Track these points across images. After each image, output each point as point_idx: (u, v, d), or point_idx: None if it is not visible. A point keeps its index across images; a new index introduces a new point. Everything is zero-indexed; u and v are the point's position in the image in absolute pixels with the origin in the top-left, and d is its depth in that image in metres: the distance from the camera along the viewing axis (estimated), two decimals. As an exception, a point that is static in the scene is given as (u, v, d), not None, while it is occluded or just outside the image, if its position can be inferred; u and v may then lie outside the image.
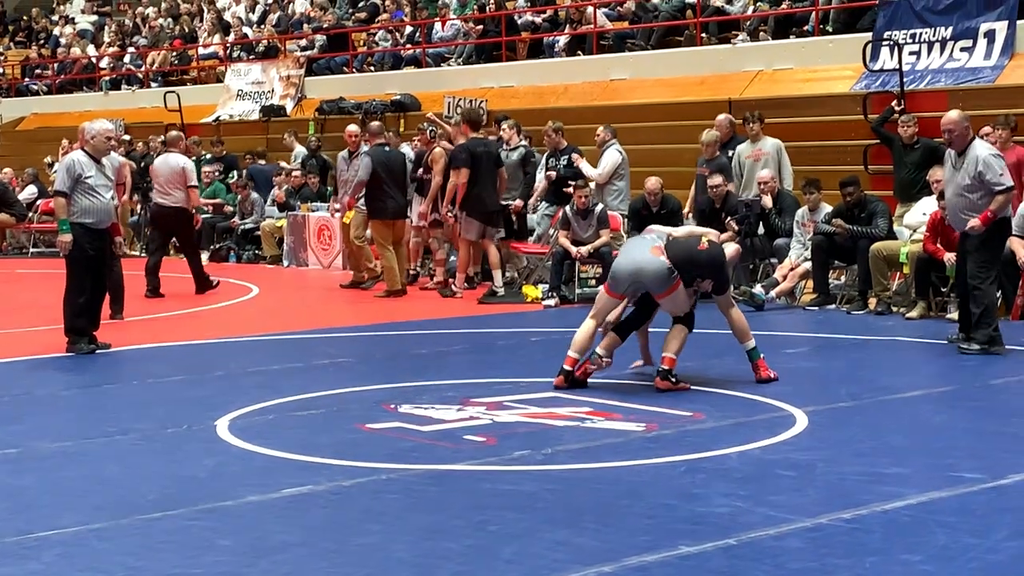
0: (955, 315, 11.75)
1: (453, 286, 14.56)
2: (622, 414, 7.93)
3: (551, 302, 13.60)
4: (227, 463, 6.89)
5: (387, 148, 15.04)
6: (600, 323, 9.06)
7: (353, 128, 15.72)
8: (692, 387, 8.79)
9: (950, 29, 15.37)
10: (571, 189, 14.12)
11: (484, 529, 5.60)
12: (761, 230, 13.86)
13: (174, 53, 27.26)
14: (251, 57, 25.30)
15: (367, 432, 7.58)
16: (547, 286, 14.01)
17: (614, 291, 9.02)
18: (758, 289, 13.03)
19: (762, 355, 8.98)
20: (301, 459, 6.89)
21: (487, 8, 21.88)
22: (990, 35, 15.02)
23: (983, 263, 10.06)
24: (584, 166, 15.07)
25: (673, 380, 8.72)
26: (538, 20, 21.28)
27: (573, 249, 13.68)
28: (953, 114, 10.15)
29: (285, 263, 18.05)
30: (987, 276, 10.06)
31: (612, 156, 14.95)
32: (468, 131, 14.55)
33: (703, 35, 18.57)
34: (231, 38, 26.45)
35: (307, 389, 8.87)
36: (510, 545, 5.37)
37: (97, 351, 10.76)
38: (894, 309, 12.47)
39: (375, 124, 15.81)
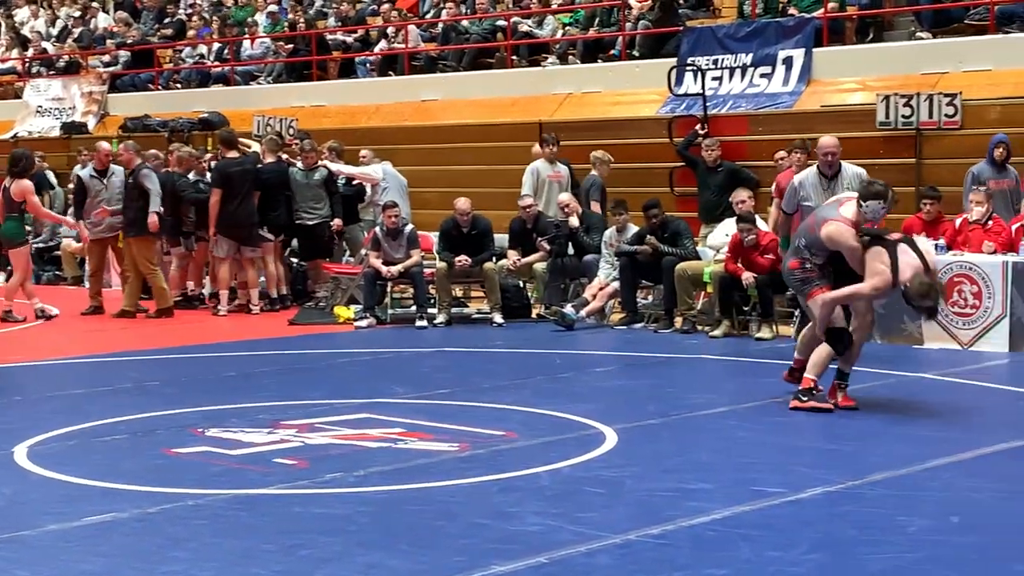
0: (763, 333, 12.11)
1: (219, 306, 14.66)
2: (434, 434, 7.92)
3: (364, 323, 13.53)
4: (26, 491, 6.65)
5: (166, 169, 15.10)
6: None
7: (105, 145, 15.58)
8: (511, 406, 8.84)
9: (750, 56, 15.84)
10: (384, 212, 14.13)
11: (295, 554, 5.52)
12: (571, 250, 14.04)
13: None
14: (51, 72, 24.58)
15: (174, 457, 7.41)
16: (360, 307, 13.93)
17: None
18: (568, 309, 13.19)
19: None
20: (105, 486, 6.69)
21: (297, 27, 21.72)
22: (788, 62, 15.53)
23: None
24: (332, 165, 15.29)
25: (803, 399, 8.58)
26: (349, 40, 21.21)
27: (384, 269, 13.65)
28: (832, 138, 10.41)
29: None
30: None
31: (372, 167, 15.34)
32: (225, 151, 14.92)
33: (514, 58, 18.76)
34: (30, 53, 25.67)
35: (111, 414, 8.63)
36: (322, 569, 5.31)
37: None
38: (699, 327, 12.76)
39: (152, 151, 15.92)
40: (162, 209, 14.49)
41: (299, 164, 15.19)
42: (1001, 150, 12.31)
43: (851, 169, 10.38)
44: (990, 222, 11.93)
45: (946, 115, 13.69)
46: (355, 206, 15.66)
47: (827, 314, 8.48)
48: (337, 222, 15.10)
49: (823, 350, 8.55)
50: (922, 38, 15.02)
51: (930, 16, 15.13)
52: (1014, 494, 6.46)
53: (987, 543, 5.59)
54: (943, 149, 13.77)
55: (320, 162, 15.17)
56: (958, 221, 12.11)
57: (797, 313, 12.52)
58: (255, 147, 15.53)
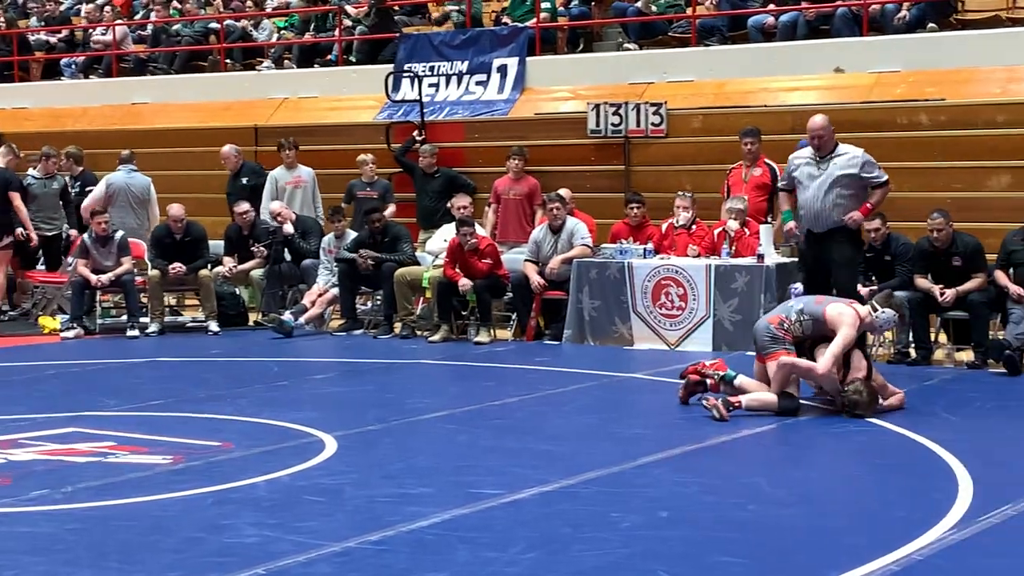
0: (481, 337, 12.25)
1: None
2: (148, 447, 7.70)
3: (71, 333, 13.02)
4: None
5: None
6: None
7: None
8: (228, 416, 8.67)
9: (466, 63, 16.04)
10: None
11: (-2, 577, 5.28)
12: (288, 256, 13.91)
13: None
14: None
15: None
16: (67, 317, 13.40)
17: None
18: (287, 316, 13.04)
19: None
20: None
21: (-3, 25, 20.78)
22: (503, 70, 15.80)
23: (852, 276, 10.18)
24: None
25: (728, 408, 8.47)
26: (53, 40, 20.41)
27: (93, 278, 13.18)
28: (820, 119, 10.06)
29: None
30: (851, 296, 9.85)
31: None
32: None
33: (228, 61, 18.45)
34: None
35: None
36: (27, 592, 5.10)
37: None
38: (418, 333, 12.84)
39: None
40: None
41: (35, 172, 14.54)
42: None
43: (854, 149, 10.08)
44: (694, 226, 12.43)
45: (652, 124, 14.18)
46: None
47: (785, 377, 8.59)
48: (74, 232, 14.50)
49: (771, 397, 8.62)
50: (629, 49, 15.53)
51: (637, 28, 15.67)
52: (717, 487, 6.74)
53: (693, 536, 5.82)
54: (650, 156, 14.27)
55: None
56: (664, 226, 12.57)
57: (514, 317, 12.78)
58: None
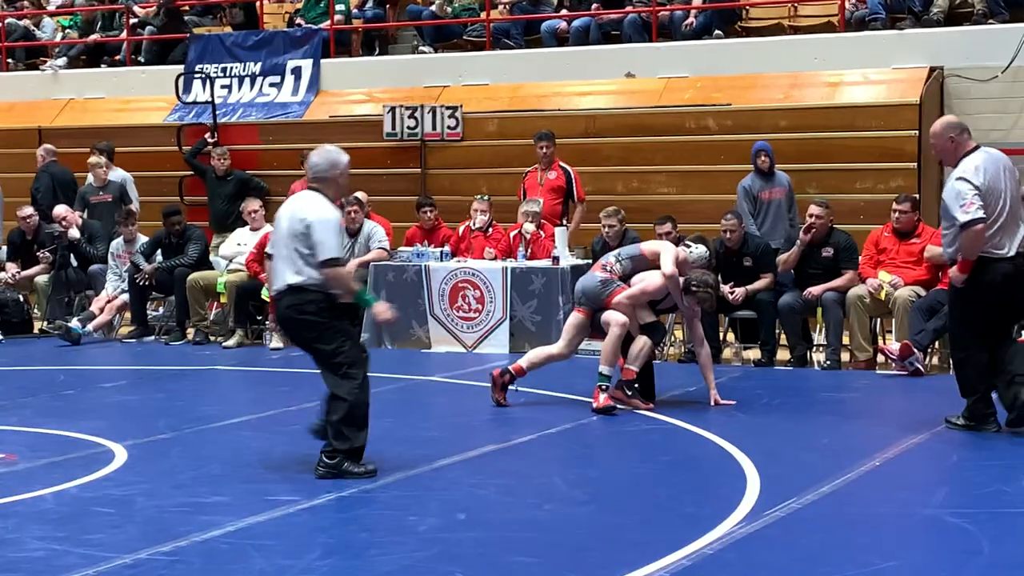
0: (276, 343, 12.10)
1: None
2: (-75, 461, 7.39)
3: None
4: None
5: None
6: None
7: None
8: (12, 427, 8.37)
9: (259, 65, 15.83)
10: None
11: None
12: (75, 262, 13.51)
13: None
14: None
15: None
16: None
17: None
18: (75, 323, 12.67)
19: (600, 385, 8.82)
20: None
21: None
22: (297, 72, 15.65)
23: (951, 316, 8.20)
24: None
25: (628, 393, 8.81)
26: None
27: None
28: (935, 126, 7.89)
29: None
30: (957, 342, 8.09)
31: None
32: None
33: (10, 60, 17.83)
34: None
35: None
36: None
37: None
38: (212, 338, 12.62)
39: None
40: None
41: None
42: (763, 158, 11.78)
43: (956, 169, 7.75)
44: (491, 229, 12.52)
45: (448, 127, 14.24)
46: None
47: (632, 308, 8.87)
48: None
49: (640, 343, 8.86)
50: (424, 52, 15.56)
51: (432, 31, 15.70)
52: (514, 488, 6.81)
53: (490, 537, 5.86)
54: (446, 160, 14.32)
55: None
56: (461, 229, 12.63)
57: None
58: None
